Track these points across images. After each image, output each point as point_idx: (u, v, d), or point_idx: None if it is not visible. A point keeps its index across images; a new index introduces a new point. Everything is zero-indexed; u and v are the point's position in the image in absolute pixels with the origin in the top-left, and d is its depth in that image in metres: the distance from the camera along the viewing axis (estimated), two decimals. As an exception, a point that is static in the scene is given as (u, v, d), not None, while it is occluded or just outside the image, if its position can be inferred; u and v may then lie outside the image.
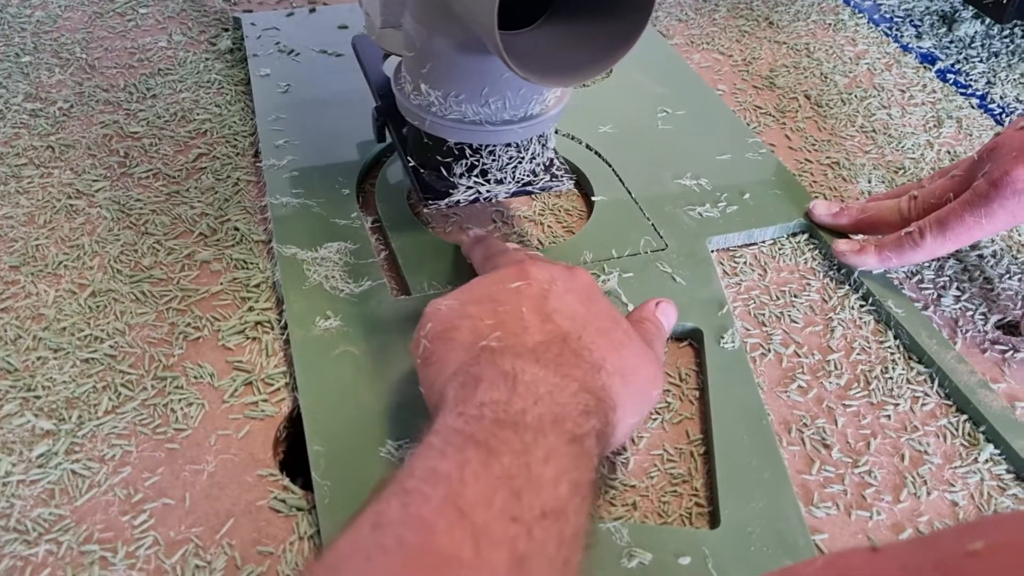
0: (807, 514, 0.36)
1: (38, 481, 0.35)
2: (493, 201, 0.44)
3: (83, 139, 0.52)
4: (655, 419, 0.40)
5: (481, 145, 0.41)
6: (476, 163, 0.42)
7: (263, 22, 0.63)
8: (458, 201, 0.43)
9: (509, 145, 0.42)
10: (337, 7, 0.67)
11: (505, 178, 0.43)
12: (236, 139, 0.54)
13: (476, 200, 0.43)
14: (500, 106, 0.40)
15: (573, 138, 0.55)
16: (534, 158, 0.43)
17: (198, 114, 0.55)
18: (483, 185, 0.42)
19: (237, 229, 0.47)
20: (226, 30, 0.64)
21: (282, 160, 0.50)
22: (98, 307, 0.42)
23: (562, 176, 0.44)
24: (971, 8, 0.71)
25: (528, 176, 0.43)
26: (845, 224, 0.48)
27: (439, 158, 0.42)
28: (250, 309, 0.43)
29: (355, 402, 0.38)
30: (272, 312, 0.43)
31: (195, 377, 0.40)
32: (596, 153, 0.54)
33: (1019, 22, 0.68)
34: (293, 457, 0.38)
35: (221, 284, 0.44)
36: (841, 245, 0.47)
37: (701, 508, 0.37)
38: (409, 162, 0.44)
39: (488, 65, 0.38)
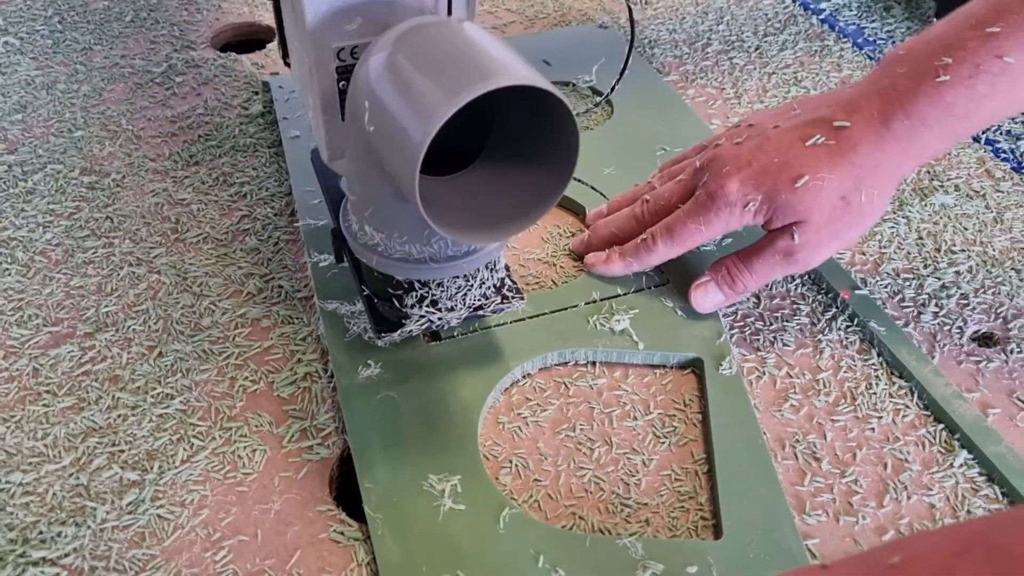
0: (800, 522, 0.41)
1: (130, 526, 0.41)
2: (445, 327, 0.47)
3: (137, 208, 0.58)
4: (663, 442, 0.45)
5: (419, 280, 0.44)
6: (426, 294, 0.44)
7: (290, 85, 0.68)
8: (411, 331, 0.46)
9: (457, 276, 0.44)
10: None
11: (456, 305, 0.45)
12: (273, 200, 0.59)
13: (428, 327, 0.46)
14: (443, 244, 0.42)
15: (579, 180, 0.60)
16: (483, 283, 0.45)
17: (237, 177, 0.61)
18: (435, 314, 0.45)
19: (281, 287, 0.53)
20: (256, 93, 0.69)
21: (318, 220, 0.55)
22: (166, 366, 0.48)
23: (512, 297, 0.47)
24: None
25: (480, 300, 0.46)
26: (595, 245, 0.54)
27: (390, 290, 0.45)
28: (299, 361, 0.49)
29: (398, 441, 0.43)
30: (319, 363, 0.48)
31: (256, 426, 0.45)
32: (601, 194, 0.59)
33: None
34: (347, 493, 0.44)
35: (271, 339, 0.50)
36: (589, 258, 0.53)
37: (706, 521, 0.42)
38: (363, 291, 0.47)
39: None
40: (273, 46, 0.75)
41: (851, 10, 0.80)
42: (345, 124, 0.40)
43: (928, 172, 0.62)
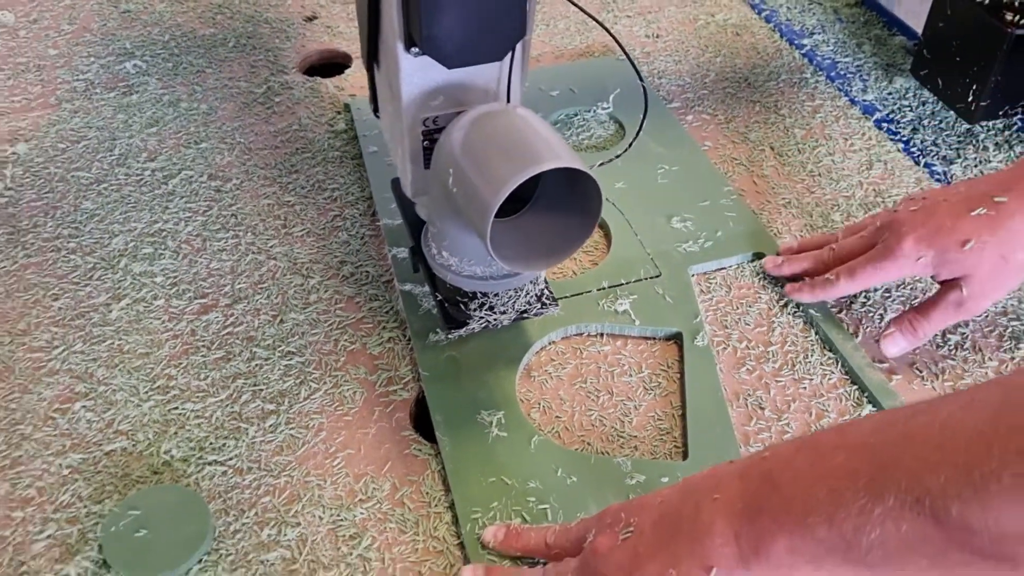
0: (744, 450, 0.58)
1: (271, 441, 0.59)
2: (499, 327, 0.62)
3: (254, 208, 0.75)
4: (650, 393, 0.62)
5: (481, 291, 0.60)
6: (485, 301, 0.61)
7: (366, 105, 0.85)
8: (473, 329, 0.62)
9: (509, 289, 0.61)
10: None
11: (507, 310, 0.61)
12: (358, 203, 0.76)
13: (486, 327, 0.62)
14: (500, 267, 0.57)
15: (596, 192, 0.76)
16: (528, 293, 0.62)
17: (329, 184, 0.78)
18: (492, 316, 0.61)
19: (368, 272, 0.70)
20: (339, 112, 0.86)
21: (394, 220, 0.73)
22: (287, 330, 0.66)
23: (548, 304, 0.62)
24: (908, 61, 0.90)
25: (525, 306, 0.62)
26: (786, 275, 0.69)
27: (459, 297, 0.61)
28: (384, 328, 0.66)
29: (458, 387, 0.61)
30: (399, 330, 0.66)
31: (355, 374, 0.63)
32: (612, 204, 0.75)
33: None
34: (422, 423, 0.61)
35: (363, 311, 0.67)
36: (788, 288, 0.68)
37: (677, 448, 0.59)
38: (436, 296, 0.63)
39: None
40: (351, 71, 0.92)
41: (828, 46, 0.95)
42: (428, 172, 0.57)
43: (874, 190, 0.78)
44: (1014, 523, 0.32)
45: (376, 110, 0.64)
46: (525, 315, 0.62)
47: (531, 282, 0.61)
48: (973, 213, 0.61)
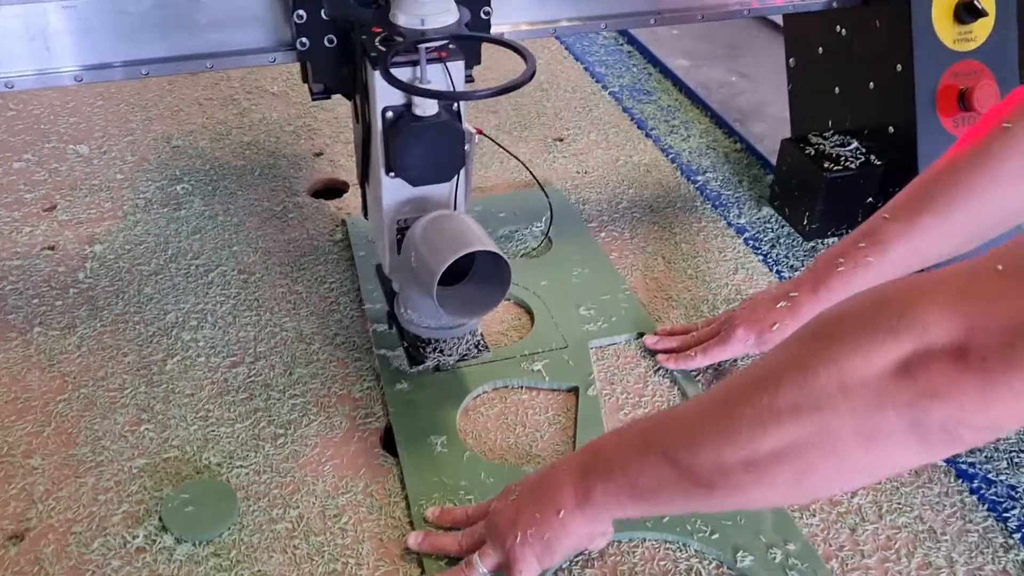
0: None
1: (281, 453, 0.83)
2: (448, 365, 0.89)
3: (271, 294, 1.01)
4: (552, 426, 0.86)
5: (435, 338, 0.88)
6: (437, 346, 0.89)
7: (359, 222, 1.12)
8: (428, 366, 0.88)
9: (455, 337, 0.88)
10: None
11: (453, 353, 0.89)
12: (350, 293, 1.02)
13: (437, 366, 0.88)
14: (448, 320, 0.84)
15: (523, 286, 1.03)
16: (467, 341, 0.89)
17: (328, 278, 1.04)
18: (441, 357, 0.89)
19: (355, 342, 0.95)
20: (337, 226, 1.13)
21: (376, 304, 0.98)
22: (294, 380, 0.91)
23: (483, 350, 0.89)
24: (776, 196, 1.19)
25: (467, 350, 0.89)
26: (660, 349, 0.95)
27: (418, 343, 0.89)
28: (364, 379, 0.91)
29: (415, 419, 0.85)
30: (374, 381, 0.91)
31: (342, 411, 0.87)
32: (535, 294, 1.01)
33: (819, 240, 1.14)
34: (389, 443, 0.85)
35: (349, 368, 0.92)
36: (660, 358, 0.93)
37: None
38: (404, 343, 0.90)
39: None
40: (347, 195, 1.20)
41: (717, 182, 1.24)
42: (399, 257, 0.84)
43: (736, 290, 1.04)
44: (707, 462, 0.57)
45: (366, 215, 0.92)
46: (466, 357, 0.88)
47: (470, 333, 0.89)
48: (778, 305, 0.87)
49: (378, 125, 0.77)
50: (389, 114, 0.77)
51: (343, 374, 0.92)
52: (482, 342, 0.90)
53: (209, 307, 1.00)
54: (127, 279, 1.03)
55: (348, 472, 0.81)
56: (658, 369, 0.93)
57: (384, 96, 0.76)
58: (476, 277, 0.83)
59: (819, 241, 1.13)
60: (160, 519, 0.76)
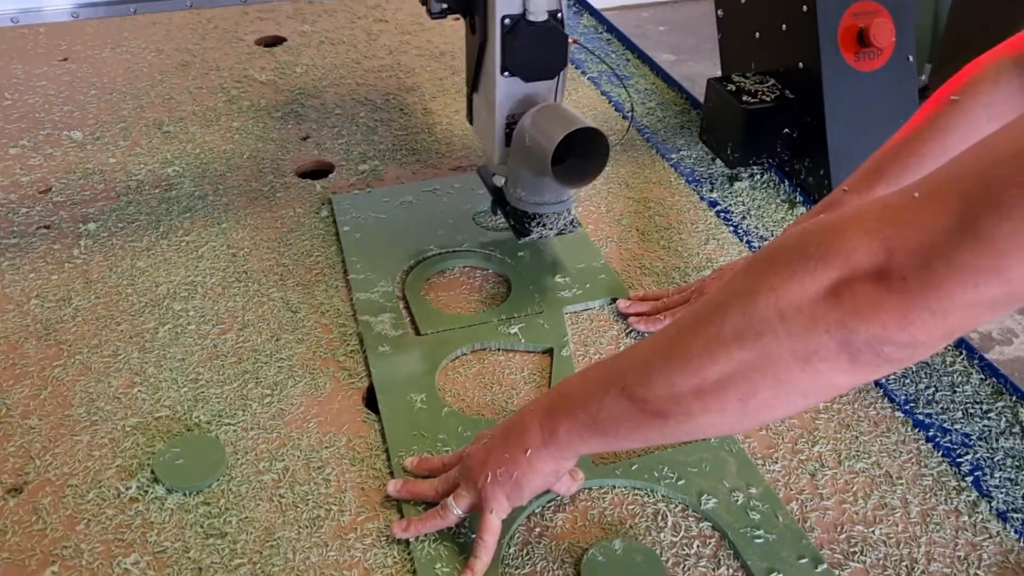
0: (586, 419, 0.86)
1: (268, 411, 0.87)
2: (544, 239, 1.00)
3: (259, 267, 1.05)
4: (528, 384, 0.90)
5: (541, 213, 0.98)
6: (540, 220, 0.98)
7: (343, 200, 1.16)
8: (532, 237, 0.98)
9: (556, 212, 0.98)
10: (384, 188, 1.20)
11: (553, 226, 0.98)
12: (335, 267, 1.06)
13: (540, 237, 0.98)
14: (552, 197, 0.96)
15: (503, 257, 1.07)
16: (564, 218, 0.99)
17: (314, 253, 1.08)
18: (543, 230, 0.98)
19: (339, 309, 0.99)
20: (323, 204, 1.17)
21: (359, 275, 1.02)
22: (281, 345, 0.94)
23: (576, 227, 1.00)
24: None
25: (564, 225, 0.99)
26: (631, 312, 0.99)
27: (524, 219, 0.99)
28: (347, 344, 0.95)
29: (395, 379, 0.89)
30: (358, 346, 0.95)
31: (326, 373, 0.91)
32: (512, 265, 1.05)
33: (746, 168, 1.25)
34: (371, 401, 0.89)
35: (334, 333, 0.96)
36: (631, 320, 0.98)
37: (541, 417, 0.87)
38: (511, 223, 1.01)
39: (544, 179, 0.92)
40: (333, 176, 1.24)
41: (691, 159, 1.28)
42: (507, 148, 0.96)
43: (707, 258, 1.08)
44: (660, 392, 0.61)
45: (471, 120, 1.04)
46: (563, 232, 1.00)
47: (566, 211, 0.99)
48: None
49: (497, 32, 0.89)
50: (507, 21, 0.89)
51: (327, 339, 0.96)
52: (576, 220, 1.01)
53: (199, 279, 1.04)
54: (120, 255, 1.07)
55: (332, 428, 0.85)
56: (630, 332, 0.97)
57: (503, 6, 0.88)
58: (576, 154, 0.92)
59: (741, 170, 1.26)
60: (152, 472, 0.80)
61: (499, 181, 0.99)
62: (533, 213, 0.98)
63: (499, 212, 1.03)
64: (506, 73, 0.92)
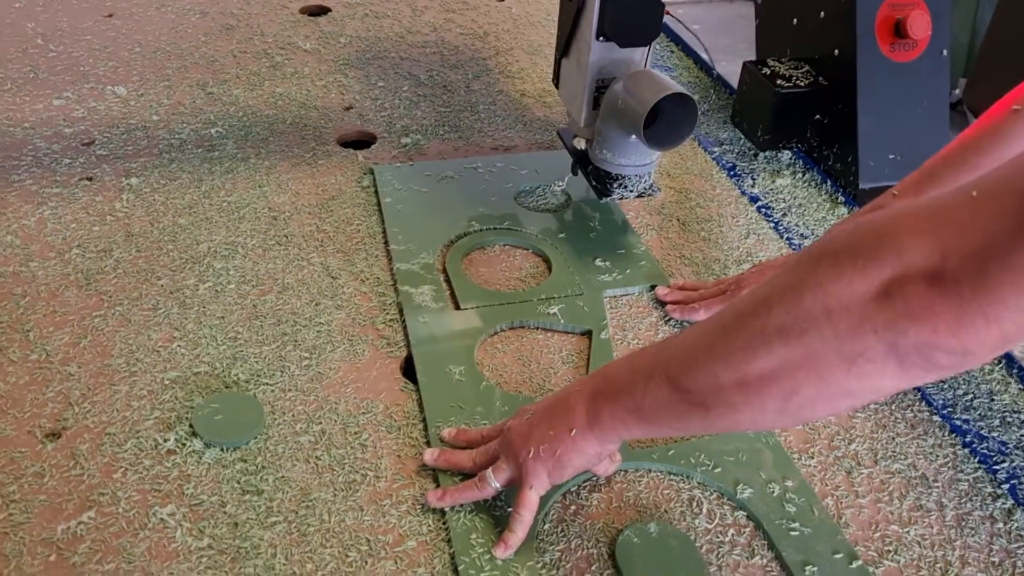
0: (623, 402, 0.86)
1: (306, 374, 0.87)
2: (623, 199, 1.04)
3: (299, 231, 1.05)
4: (566, 364, 0.90)
5: (624, 175, 1.01)
6: (622, 182, 1.01)
7: (385, 171, 1.16)
8: (613, 198, 1.01)
9: (637, 175, 1.01)
10: (426, 162, 1.20)
11: (634, 188, 1.01)
12: (376, 235, 1.06)
13: (621, 198, 1.01)
14: (636, 159, 0.99)
15: (543, 237, 1.06)
16: (644, 182, 1.02)
17: (355, 220, 1.08)
18: (624, 192, 1.01)
19: (379, 278, 0.99)
20: (365, 174, 1.17)
21: (399, 246, 1.02)
22: (320, 310, 0.94)
23: (655, 191, 1.03)
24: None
25: (644, 188, 1.01)
26: (669, 301, 0.99)
27: (607, 179, 1.01)
28: (387, 312, 0.95)
29: (435, 350, 0.89)
30: (397, 315, 0.95)
31: (364, 340, 0.91)
32: (554, 246, 1.05)
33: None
34: (409, 370, 0.89)
35: (373, 301, 0.96)
36: (668, 308, 0.97)
37: (579, 398, 0.87)
38: (593, 183, 1.03)
39: (631, 142, 0.97)
40: (375, 146, 1.24)
41: (732, 154, 1.28)
42: (594, 111, 1.00)
43: (747, 252, 1.08)
44: (704, 383, 0.60)
45: (557, 84, 1.08)
46: (642, 195, 1.03)
47: (647, 175, 1.02)
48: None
49: None
50: None
51: (367, 307, 0.96)
52: (654, 185, 1.04)
53: (240, 240, 1.04)
54: (161, 211, 1.07)
55: (369, 395, 0.85)
56: (668, 320, 0.97)
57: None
58: (665, 118, 0.94)
59: (783, 167, 1.27)
60: (191, 425, 0.80)
61: (580, 144, 1.02)
62: (616, 174, 1.01)
63: (579, 173, 1.07)
64: (601, 38, 0.95)
